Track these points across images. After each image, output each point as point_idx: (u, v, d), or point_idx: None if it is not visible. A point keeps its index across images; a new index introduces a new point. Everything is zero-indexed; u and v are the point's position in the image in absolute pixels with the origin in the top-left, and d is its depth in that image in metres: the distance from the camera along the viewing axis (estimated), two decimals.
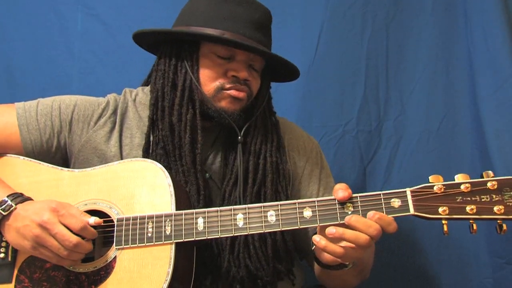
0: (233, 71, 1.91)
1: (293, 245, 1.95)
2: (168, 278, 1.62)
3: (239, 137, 1.93)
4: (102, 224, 1.72)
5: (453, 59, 2.70)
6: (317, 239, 1.59)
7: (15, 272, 1.76)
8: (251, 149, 1.96)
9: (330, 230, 1.56)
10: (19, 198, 1.73)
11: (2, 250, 1.78)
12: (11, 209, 1.69)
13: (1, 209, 1.69)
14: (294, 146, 2.11)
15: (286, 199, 1.96)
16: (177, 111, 1.91)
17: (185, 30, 1.94)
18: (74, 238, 1.64)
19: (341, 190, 1.61)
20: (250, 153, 1.96)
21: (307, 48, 2.76)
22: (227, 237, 1.80)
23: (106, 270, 1.69)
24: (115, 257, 1.70)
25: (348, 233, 1.55)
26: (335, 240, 1.58)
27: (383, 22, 2.74)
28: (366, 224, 1.55)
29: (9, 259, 1.77)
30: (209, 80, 1.92)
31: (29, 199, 1.75)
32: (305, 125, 2.29)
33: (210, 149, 2.01)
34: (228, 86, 1.91)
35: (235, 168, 1.94)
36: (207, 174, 1.96)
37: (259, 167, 1.95)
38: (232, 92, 1.91)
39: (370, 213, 1.57)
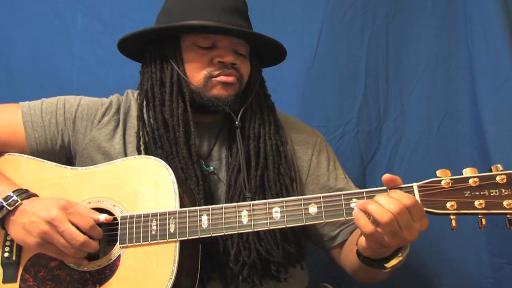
0: (218, 57, 1.92)
1: (300, 228, 1.95)
2: (173, 276, 1.62)
3: (237, 122, 1.93)
4: (111, 221, 1.72)
5: (453, 59, 2.70)
6: (355, 211, 1.57)
7: (20, 271, 1.76)
8: (250, 134, 1.97)
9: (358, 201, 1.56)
10: (25, 194, 1.73)
11: (7, 249, 1.79)
12: (16, 204, 1.70)
13: (6, 204, 1.69)
14: (298, 141, 2.11)
15: (291, 182, 1.97)
16: (168, 107, 1.91)
17: (163, 25, 1.94)
18: (82, 237, 1.65)
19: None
20: (249, 137, 1.96)
21: (307, 48, 2.76)
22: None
23: (111, 269, 1.69)
24: (119, 256, 1.70)
25: (372, 205, 1.52)
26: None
27: (383, 22, 2.74)
28: (387, 199, 1.51)
29: (14, 258, 1.77)
30: (196, 71, 1.93)
31: (34, 195, 1.76)
32: None
33: (214, 144, 2.02)
34: (216, 73, 1.91)
35: (238, 155, 1.93)
36: (210, 168, 1.97)
37: (260, 151, 1.95)
38: (222, 78, 1.91)
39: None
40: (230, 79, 1.92)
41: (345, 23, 2.75)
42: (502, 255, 2.52)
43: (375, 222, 1.52)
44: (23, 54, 2.79)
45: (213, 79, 1.91)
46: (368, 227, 1.53)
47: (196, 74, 1.93)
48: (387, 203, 1.50)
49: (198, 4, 1.95)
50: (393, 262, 1.65)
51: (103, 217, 1.71)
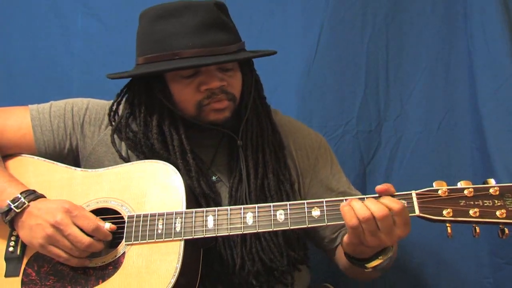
0: (204, 84, 1.83)
1: (303, 232, 1.98)
2: (176, 274, 1.64)
3: (238, 142, 1.92)
4: (117, 220, 1.75)
5: (453, 59, 2.69)
6: (343, 204, 1.64)
7: (23, 265, 1.78)
8: (248, 144, 1.95)
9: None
10: (32, 195, 1.75)
11: (12, 244, 1.80)
12: (23, 206, 1.72)
13: (14, 206, 1.71)
14: (301, 145, 2.10)
15: (291, 187, 1.98)
16: (156, 139, 1.88)
17: (138, 72, 1.90)
18: (87, 240, 1.68)
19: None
20: (247, 148, 1.94)
21: (307, 48, 2.75)
22: (236, 234, 1.79)
23: (115, 265, 1.71)
24: (124, 253, 1.72)
25: (356, 202, 1.61)
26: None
27: (383, 22, 2.73)
28: (374, 202, 1.60)
29: (18, 252, 1.79)
30: (186, 102, 1.87)
31: (41, 196, 1.77)
32: None
33: (216, 150, 2.01)
34: (206, 102, 1.85)
35: (238, 167, 1.93)
36: (214, 177, 1.97)
37: (259, 161, 1.94)
38: (213, 106, 1.86)
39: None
40: (223, 104, 1.87)
41: (345, 23, 2.74)
42: (502, 255, 2.52)
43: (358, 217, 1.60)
44: (23, 54, 2.78)
45: (205, 107, 1.86)
46: (353, 220, 1.59)
47: (187, 104, 1.87)
48: (371, 205, 1.59)
49: (169, 29, 1.82)
50: (374, 263, 1.73)
51: (108, 225, 1.74)
